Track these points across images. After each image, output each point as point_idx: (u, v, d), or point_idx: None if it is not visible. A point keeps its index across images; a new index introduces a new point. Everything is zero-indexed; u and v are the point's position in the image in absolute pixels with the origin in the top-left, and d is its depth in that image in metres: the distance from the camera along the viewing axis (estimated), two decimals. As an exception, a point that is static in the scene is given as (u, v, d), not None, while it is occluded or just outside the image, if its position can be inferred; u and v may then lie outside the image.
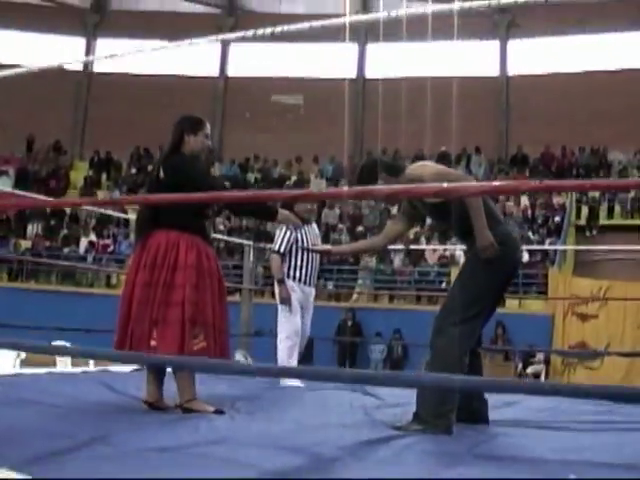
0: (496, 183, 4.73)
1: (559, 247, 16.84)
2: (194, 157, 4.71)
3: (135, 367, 6.95)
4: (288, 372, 4.38)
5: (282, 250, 7.05)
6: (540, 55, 23.90)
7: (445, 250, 17.41)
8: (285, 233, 7.07)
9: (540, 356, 15.13)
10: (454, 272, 16.65)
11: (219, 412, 4.47)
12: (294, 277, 7.09)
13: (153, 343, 4.39)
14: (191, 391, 4.52)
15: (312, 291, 7.32)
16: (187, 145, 4.68)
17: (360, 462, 3.02)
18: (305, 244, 7.01)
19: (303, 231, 7.03)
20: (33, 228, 20.47)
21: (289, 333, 7.01)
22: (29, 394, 4.61)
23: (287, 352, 6.99)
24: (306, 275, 7.14)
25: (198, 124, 4.73)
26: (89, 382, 5.78)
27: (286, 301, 7.02)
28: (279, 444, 3.26)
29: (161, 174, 4.61)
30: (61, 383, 5.58)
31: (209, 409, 4.48)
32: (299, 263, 7.07)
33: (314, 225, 7.46)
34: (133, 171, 24.20)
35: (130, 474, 2.56)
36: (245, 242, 9.44)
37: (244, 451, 3.08)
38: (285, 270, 7.08)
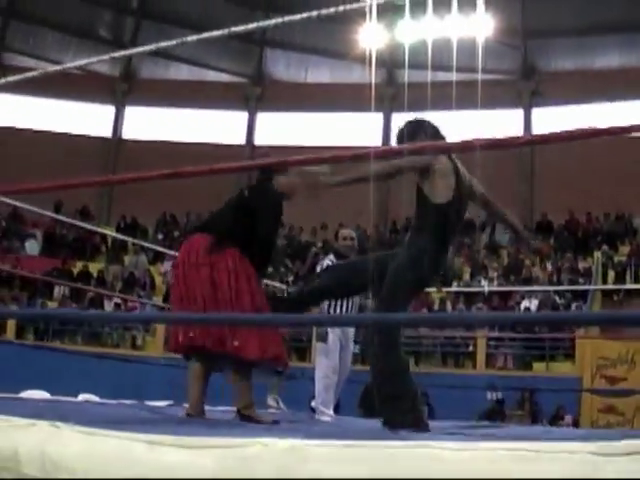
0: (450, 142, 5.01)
1: (585, 311, 17.07)
2: (280, 195, 4.89)
3: (170, 402, 7.18)
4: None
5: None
6: (563, 122, 24.39)
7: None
8: (324, 267, 6.86)
9: (568, 418, 15.23)
10: (480, 338, 16.93)
11: (275, 422, 4.61)
12: (332, 313, 6.79)
13: (236, 343, 4.53)
14: (249, 397, 4.67)
15: (352, 329, 7.22)
16: (276, 182, 4.86)
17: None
18: None
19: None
20: (60, 290, 20.88)
21: (326, 372, 6.91)
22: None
23: (324, 391, 6.93)
24: (345, 311, 6.92)
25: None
26: (130, 407, 6.06)
27: (323, 338, 6.96)
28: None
29: (246, 192, 4.91)
30: (101, 407, 5.86)
31: (267, 419, 4.64)
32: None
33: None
34: (159, 237, 24.67)
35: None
36: (280, 285, 9.65)
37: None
38: (324, 306, 6.73)
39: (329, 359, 6.99)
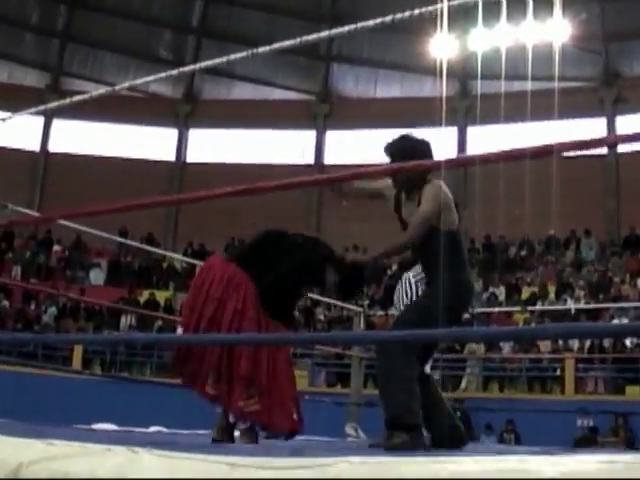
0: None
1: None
2: (331, 260, 4.93)
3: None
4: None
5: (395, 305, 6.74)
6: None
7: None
8: (415, 286, 6.67)
9: (667, 446, 14.85)
10: (568, 359, 16.65)
11: None
12: None
13: (209, 390, 4.54)
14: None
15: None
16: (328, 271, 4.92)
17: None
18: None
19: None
20: (127, 320, 21.17)
21: None
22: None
23: None
24: None
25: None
26: (204, 436, 6.11)
27: None
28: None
29: (300, 240, 4.94)
30: (175, 436, 5.91)
31: None
32: None
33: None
34: (228, 263, 24.88)
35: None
36: (355, 308, 9.63)
37: None
38: None
39: None
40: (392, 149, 4.95)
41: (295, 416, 4.71)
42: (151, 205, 4.60)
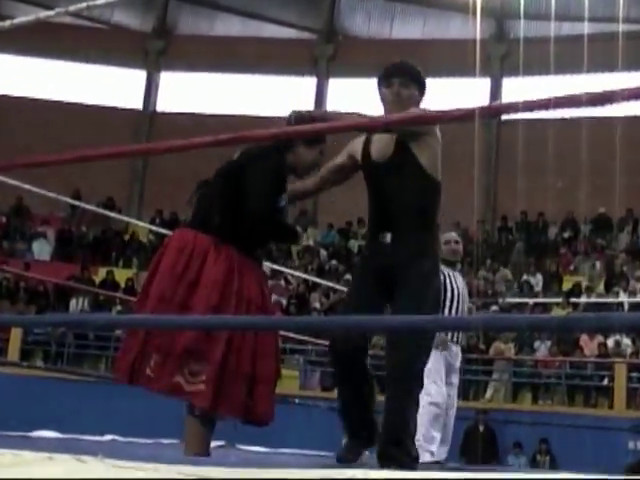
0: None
1: None
2: (288, 169, 4.83)
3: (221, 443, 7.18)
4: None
5: None
6: None
7: (607, 337, 17.41)
8: None
9: None
10: (619, 366, 16.66)
11: None
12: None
13: (149, 372, 4.46)
14: (202, 445, 4.51)
15: (458, 352, 7.51)
16: (294, 155, 4.81)
17: None
18: (452, 294, 7.25)
19: (449, 276, 7.26)
20: (77, 303, 21.15)
21: (435, 399, 7.06)
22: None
23: (431, 422, 7.05)
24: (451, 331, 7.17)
25: (319, 139, 4.87)
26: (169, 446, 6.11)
27: (443, 345, 7.10)
28: None
29: (236, 155, 4.80)
30: (133, 446, 5.90)
31: None
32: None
33: (458, 272, 7.70)
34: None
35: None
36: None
37: None
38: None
39: (438, 386, 7.15)
40: (414, 72, 4.98)
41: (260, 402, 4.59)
42: (112, 156, 4.54)
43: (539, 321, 4.34)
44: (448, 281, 7.25)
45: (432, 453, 7.04)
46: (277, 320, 4.02)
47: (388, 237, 4.75)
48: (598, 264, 21.60)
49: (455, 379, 7.56)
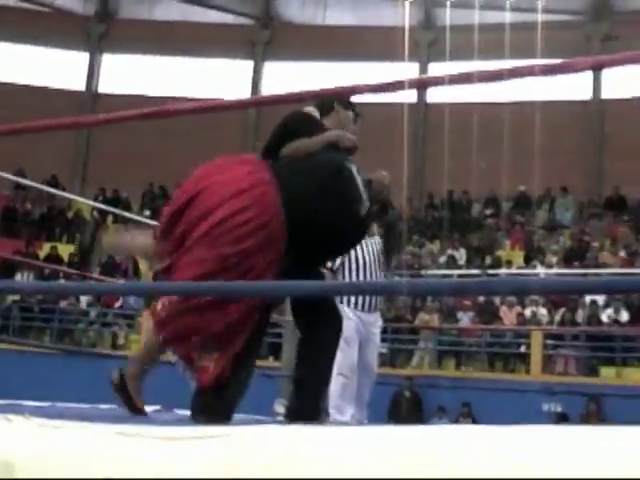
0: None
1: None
2: (324, 129, 4.55)
3: (157, 408, 7.15)
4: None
5: (334, 266, 6.75)
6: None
7: (524, 307, 17.63)
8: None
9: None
10: (535, 334, 16.87)
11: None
12: (349, 302, 6.85)
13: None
14: (143, 366, 4.40)
15: (377, 319, 7.22)
16: (332, 116, 4.67)
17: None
18: (364, 260, 6.95)
19: (363, 243, 6.71)
20: (22, 277, 20.98)
21: (341, 369, 6.72)
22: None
23: (339, 393, 6.89)
24: (365, 299, 6.94)
25: (352, 103, 4.75)
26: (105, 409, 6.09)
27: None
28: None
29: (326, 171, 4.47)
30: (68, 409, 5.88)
31: (142, 405, 4.38)
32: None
33: (376, 238, 7.21)
34: (146, 213, 24.58)
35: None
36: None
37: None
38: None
39: (345, 355, 6.69)
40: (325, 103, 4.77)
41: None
42: (47, 128, 4.55)
43: (460, 284, 4.41)
44: (361, 250, 6.90)
45: (347, 423, 6.74)
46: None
47: None
48: (517, 239, 21.88)
49: (376, 342, 7.29)
